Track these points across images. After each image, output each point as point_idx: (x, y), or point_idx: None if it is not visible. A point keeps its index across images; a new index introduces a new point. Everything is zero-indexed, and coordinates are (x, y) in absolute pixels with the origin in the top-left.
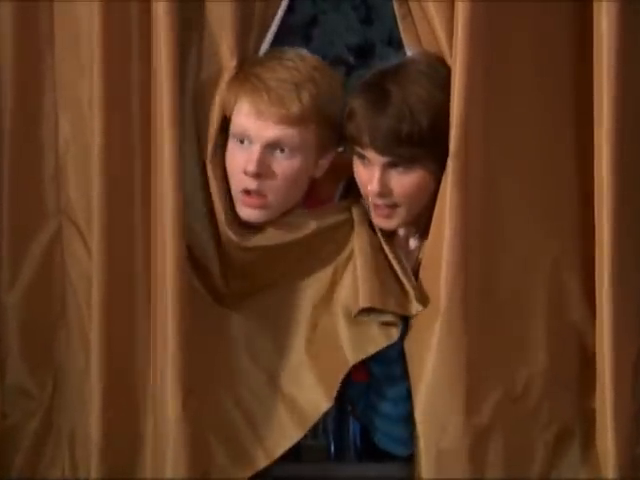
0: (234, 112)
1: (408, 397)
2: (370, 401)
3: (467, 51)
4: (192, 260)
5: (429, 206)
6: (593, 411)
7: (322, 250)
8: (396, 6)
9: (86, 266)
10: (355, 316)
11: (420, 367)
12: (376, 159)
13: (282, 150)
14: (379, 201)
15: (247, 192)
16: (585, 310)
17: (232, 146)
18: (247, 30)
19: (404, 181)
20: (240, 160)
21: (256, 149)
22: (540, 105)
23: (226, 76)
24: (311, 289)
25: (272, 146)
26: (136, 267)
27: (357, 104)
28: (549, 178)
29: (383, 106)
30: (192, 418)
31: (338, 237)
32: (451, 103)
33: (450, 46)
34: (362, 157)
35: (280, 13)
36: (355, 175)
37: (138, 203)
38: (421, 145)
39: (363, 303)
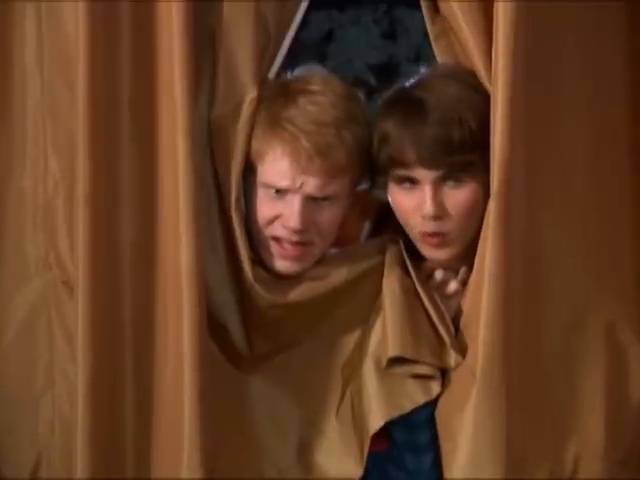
0: (265, 162)
1: (434, 470)
2: (387, 474)
3: (510, 74)
4: (209, 322)
5: (477, 237)
6: None
7: (352, 299)
8: (428, 24)
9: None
10: (386, 368)
11: (452, 438)
12: (426, 176)
13: (324, 199)
14: (431, 227)
15: (284, 242)
16: None
17: (263, 196)
18: (263, 52)
19: (458, 197)
20: (275, 211)
21: (297, 203)
22: (592, 133)
23: (247, 110)
24: (340, 344)
25: (314, 198)
26: (126, 338)
27: (390, 125)
28: (602, 225)
29: (423, 115)
30: None
31: (370, 283)
32: (492, 135)
33: (485, 67)
34: (403, 182)
35: (293, 31)
36: (395, 207)
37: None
38: (473, 150)
39: (393, 352)
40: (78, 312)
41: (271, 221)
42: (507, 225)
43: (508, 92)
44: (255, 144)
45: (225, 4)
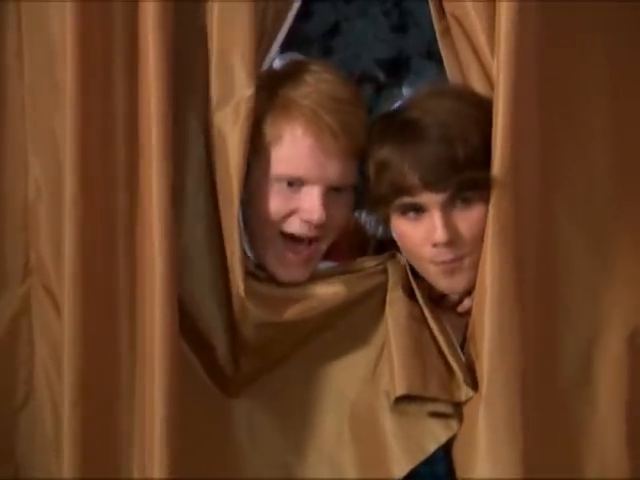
0: (282, 147)
1: None
2: None
3: (511, 73)
4: (193, 337)
5: None
6: None
7: (347, 320)
8: (436, 20)
9: (62, 342)
10: (395, 404)
11: (466, 470)
12: (433, 200)
13: (338, 190)
14: (445, 255)
15: (295, 240)
16: None
17: (275, 190)
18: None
19: (469, 219)
20: (291, 206)
21: (317, 193)
22: (616, 138)
23: (246, 108)
24: (338, 369)
25: (329, 189)
26: (120, 345)
27: (386, 151)
28: (625, 227)
29: (420, 135)
30: None
31: (368, 306)
32: (493, 137)
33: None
34: (407, 212)
35: (288, 25)
36: (401, 240)
37: (122, 265)
38: (479, 166)
39: (400, 390)
40: (63, 316)
41: (286, 216)
42: (508, 235)
43: (508, 92)
44: (269, 130)
45: (219, 4)
